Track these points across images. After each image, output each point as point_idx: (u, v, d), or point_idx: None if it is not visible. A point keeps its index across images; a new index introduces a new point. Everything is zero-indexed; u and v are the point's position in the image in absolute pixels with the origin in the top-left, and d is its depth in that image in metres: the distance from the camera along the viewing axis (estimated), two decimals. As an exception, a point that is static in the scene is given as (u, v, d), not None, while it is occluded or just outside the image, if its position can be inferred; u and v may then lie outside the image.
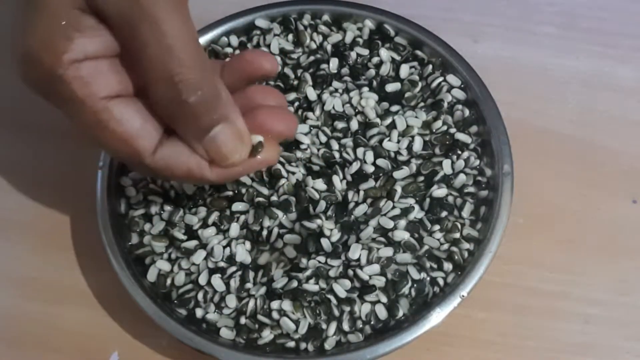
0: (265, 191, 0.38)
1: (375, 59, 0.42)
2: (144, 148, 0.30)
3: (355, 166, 0.38)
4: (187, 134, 0.31)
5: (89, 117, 0.29)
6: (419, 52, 0.42)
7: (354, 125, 0.40)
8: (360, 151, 0.38)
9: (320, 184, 0.38)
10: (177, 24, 0.28)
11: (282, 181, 0.38)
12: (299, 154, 0.39)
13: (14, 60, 0.29)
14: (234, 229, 0.37)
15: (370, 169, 0.38)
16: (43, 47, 0.28)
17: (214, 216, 0.37)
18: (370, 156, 0.38)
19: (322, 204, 0.37)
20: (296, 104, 0.41)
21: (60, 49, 0.28)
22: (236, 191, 0.38)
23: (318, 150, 0.39)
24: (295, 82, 0.41)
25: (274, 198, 0.38)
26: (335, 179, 0.38)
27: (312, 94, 0.41)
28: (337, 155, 0.39)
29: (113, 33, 0.29)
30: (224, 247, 0.37)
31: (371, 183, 0.38)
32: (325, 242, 0.36)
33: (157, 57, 0.28)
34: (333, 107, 0.40)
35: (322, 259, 0.36)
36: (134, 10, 0.28)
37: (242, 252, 0.37)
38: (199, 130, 0.30)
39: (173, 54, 0.28)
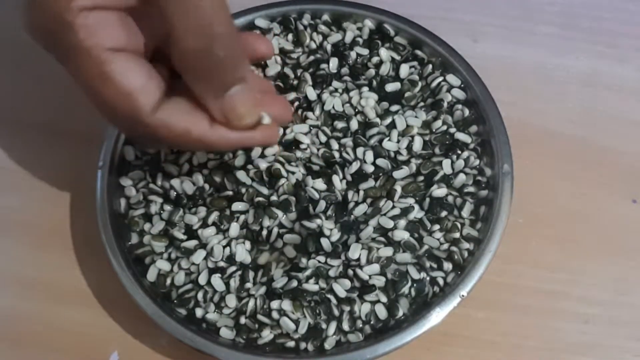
0: (265, 191, 0.38)
1: (375, 59, 0.42)
2: (144, 104, 0.30)
3: (355, 166, 0.38)
4: (208, 89, 0.31)
5: (93, 68, 0.29)
6: (418, 52, 0.42)
7: (354, 125, 0.40)
8: (360, 151, 0.38)
9: (320, 184, 0.38)
10: None
11: (282, 181, 0.38)
12: (298, 153, 0.39)
13: (21, 7, 0.29)
14: (234, 228, 0.37)
15: (370, 168, 0.38)
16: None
17: (214, 216, 0.37)
18: (370, 156, 0.38)
19: (322, 204, 0.37)
20: (296, 103, 0.41)
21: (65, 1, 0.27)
22: (236, 191, 0.38)
23: (318, 150, 0.39)
24: (295, 82, 0.41)
25: (274, 198, 0.37)
26: (335, 179, 0.38)
27: (312, 93, 0.41)
28: (337, 155, 0.39)
29: None
30: (224, 247, 0.37)
31: (371, 183, 0.38)
32: (325, 242, 0.36)
33: (194, 7, 0.28)
34: (333, 107, 0.40)
35: (322, 258, 0.36)
36: None
37: (242, 252, 0.37)
38: (221, 85, 0.31)
39: (213, 7, 0.28)
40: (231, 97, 0.31)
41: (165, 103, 0.30)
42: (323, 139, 0.39)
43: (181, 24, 0.28)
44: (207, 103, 0.31)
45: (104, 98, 0.29)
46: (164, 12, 0.28)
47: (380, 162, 0.38)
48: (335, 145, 0.39)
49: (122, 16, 0.29)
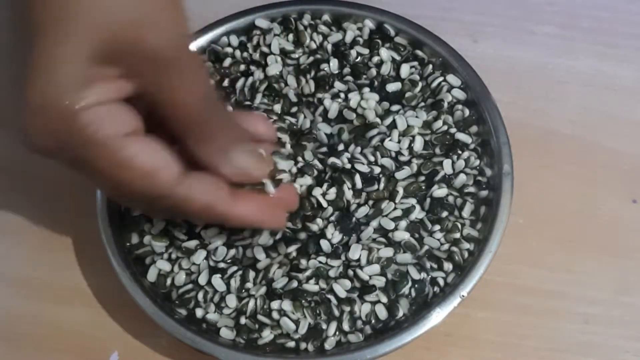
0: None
1: (375, 59, 0.42)
2: (167, 179, 0.30)
3: (363, 170, 0.38)
4: (215, 154, 0.32)
5: (110, 158, 0.29)
6: (419, 52, 0.42)
7: (357, 127, 0.40)
8: (366, 155, 0.38)
9: (332, 194, 0.37)
10: (197, 58, 0.31)
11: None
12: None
13: (23, 120, 0.30)
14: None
15: (377, 170, 0.38)
16: (56, 96, 0.28)
17: None
18: (377, 159, 0.38)
19: (329, 210, 0.37)
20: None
21: (74, 97, 0.28)
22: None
23: (323, 157, 0.39)
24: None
25: None
26: (345, 188, 0.37)
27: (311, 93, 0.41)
28: (345, 161, 0.38)
29: (134, 80, 0.30)
30: (228, 248, 0.37)
31: (375, 186, 0.38)
32: (325, 244, 0.36)
33: (189, 90, 0.30)
34: (335, 110, 0.40)
35: (322, 259, 0.36)
36: (170, 52, 0.29)
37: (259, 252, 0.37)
38: (227, 142, 0.32)
39: (204, 71, 0.31)
40: (236, 158, 0.32)
41: (187, 176, 0.31)
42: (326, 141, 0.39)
43: (180, 109, 0.30)
44: (219, 169, 0.32)
45: (126, 184, 0.30)
46: (164, 92, 0.30)
47: (385, 161, 0.38)
48: (343, 152, 0.39)
49: (122, 105, 0.30)
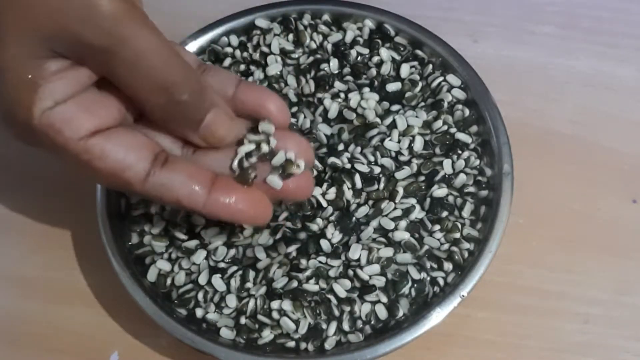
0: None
1: (375, 59, 0.42)
2: (133, 178, 0.31)
3: (363, 170, 0.38)
4: (185, 129, 0.32)
5: (73, 159, 0.30)
6: (419, 52, 0.42)
7: (357, 127, 0.40)
8: (366, 155, 0.38)
9: (331, 194, 0.38)
10: (152, 39, 0.29)
11: None
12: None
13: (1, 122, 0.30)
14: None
15: (377, 170, 0.38)
16: (13, 103, 0.29)
17: None
18: (377, 159, 0.38)
19: (329, 210, 0.37)
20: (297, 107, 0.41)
21: (28, 102, 0.29)
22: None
23: (323, 156, 0.39)
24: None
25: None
26: (345, 188, 0.37)
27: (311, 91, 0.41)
28: (345, 161, 0.38)
29: (87, 65, 0.29)
30: (228, 248, 0.37)
31: (375, 186, 0.38)
32: (325, 244, 0.36)
33: (144, 72, 0.29)
34: (335, 110, 0.40)
35: (322, 259, 0.36)
36: (110, 42, 0.28)
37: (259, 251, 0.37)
38: (194, 122, 0.31)
39: (159, 65, 0.29)
40: (208, 125, 0.32)
41: (158, 171, 0.31)
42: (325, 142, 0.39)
43: (140, 91, 0.30)
44: (189, 138, 0.32)
45: (95, 179, 0.32)
46: (120, 82, 0.30)
47: (385, 161, 0.38)
48: (343, 152, 0.39)
49: (88, 97, 0.30)
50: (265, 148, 0.33)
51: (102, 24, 0.28)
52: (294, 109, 0.41)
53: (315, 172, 0.38)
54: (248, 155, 0.33)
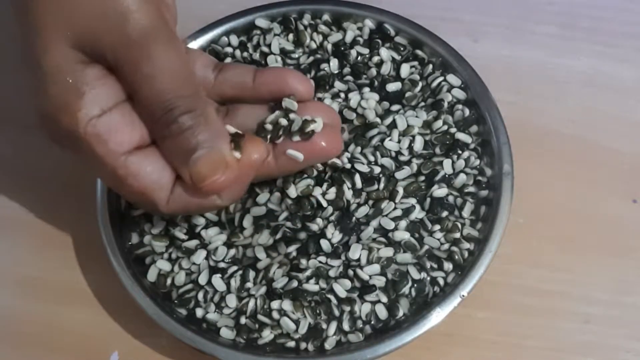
0: (276, 207, 0.38)
1: (375, 59, 0.42)
2: (159, 199, 0.31)
3: (365, 172, 0.38)
4: (176, 157, 0.31)
5: (109, 172, 0.30)
6: (419, 52, 0.42)
7: (357, 127, 0.40)
8: (366, 155, 0.38)
9: (331, 194, 0.37)
10: (169, 56, 0.30)
11: (292, 193, 0.37)
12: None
13: (41, 124, 0.31)
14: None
15: (377, 170, 0.38)
16: (57, 108, 0.29)
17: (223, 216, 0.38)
18: (377, 159, 0.38)
19: (329, 210, 0.37)
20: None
21: (74, 108, 0.29)
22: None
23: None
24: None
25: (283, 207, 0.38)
26: (345, 188, 0.37)
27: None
28: (345, 160, 0.38)
29: (116, 76, 0.30)
30: (228, 248, 0.37)
31: (375, 186, 0.38)
32: (325, 244, 0.36)
33: (153, 87, 0.29)
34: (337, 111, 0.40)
35: (322, 259, 0.36)
36: (130, 51, 0.29)
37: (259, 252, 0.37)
38: (185, 151, 0.31)
39: (167, 82, 0.29)
40: (194, 161, 0.31)
41: (176, 186, 0.32)
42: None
43: (146, 107, 0.30)
44: (177, 170, 0.32)
45: (123, 194, 0.33)
46: (134, 92, 0.30)
47: (385, 161, 0.38)
48: (343, 152, 0.39)
49: (127, 109, 0.31)
50: (283, 122, 0.33)
51: (131, 35, 0.28)
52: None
53: (315, 172, 0.38)
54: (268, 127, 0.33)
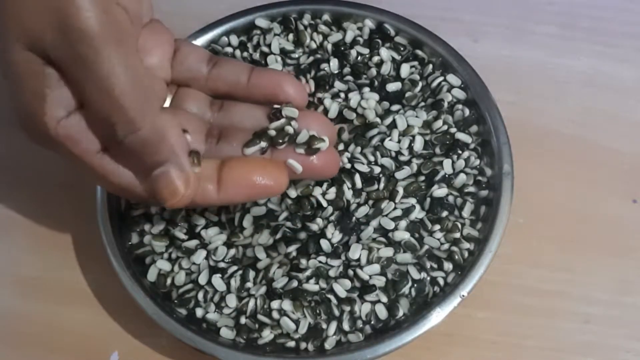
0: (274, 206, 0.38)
1: (375, 58, 0.42)
2: (144, 193, 0.31)
3: (365, 172, 0.38)
4: (135, 171, 0.31)
5: (90, 170, 0.30)
6: (419, 52, 0.42)
7: (357, 127, 0.40)
8: (366, 155, 0.38)
9: (331, 194, 0.37)
10: (114, 64, 0.27)
11: (292, 193, 0.37)
12: None
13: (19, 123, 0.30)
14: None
15: (376, 170, 0.38)
16: (27, 113, 0.29)
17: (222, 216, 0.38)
18: (377, 159, 0.38)
19: (329, 210, 0.37)
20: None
21: (40, 113, 0.28)
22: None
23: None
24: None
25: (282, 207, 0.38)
26: (345, 188, 0.37)
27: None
28: (345, 160, 0.38)
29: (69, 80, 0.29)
30: (228, 247, 0.37)
31: (375, 186, 0.38)
32: (325, 244, 0.36)
33: (97, 100, 0.28)
34: (335, 110, 0.40)
35: (322, 259, 0.36)
36: (69, 55, 0.27)
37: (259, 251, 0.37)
38: (146, 167, 0.30)
39: (110, 96, 0.28)
40: (156, 177, 0.30)
41: None
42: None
43: (103, 112, 0.28)
44: (141, 184, 0.31)
45: (109, 190, 0.32)
46: (91, 104, 0.29)
47: (385, 161, 0.38)
48: (343, 152, 0.39)
49: None
50: (289, 129, 0.33)
51: (71, 39, 0.27)
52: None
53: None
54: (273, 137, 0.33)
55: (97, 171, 0.30)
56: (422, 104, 0.41)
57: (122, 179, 0.30)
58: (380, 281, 0.36)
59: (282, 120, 0.33)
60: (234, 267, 0.37)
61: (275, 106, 0.33)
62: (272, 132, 0.33)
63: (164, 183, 0.30)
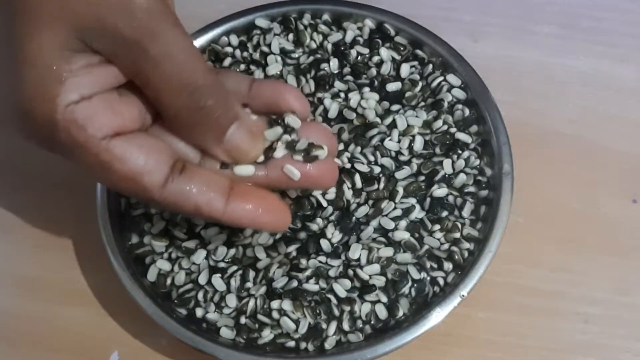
0: None
1: (375, 58, 0.42)
2: (151, 184, 0.30)
3: (365, 172, 0.38)
4: (208, 139, 0.31)
5: (92, 159, 0.29)
6: (419, 52, 0.42)
7: (357, 126, 0.40)
8: (366, 155, 0.38)
9: (331, 194, 0.37)
10: (181, 39, 0.29)
11: (292, 193, 0.37)
12: None
13: (13, 118, 0.29)
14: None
15: (376, 170, 0.38)
16: (36, 95, 0.28)
17: None
18: (377, 159, 0.38)
19: (329, 209, 0.37)
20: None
21: (53, 93, 0.28)
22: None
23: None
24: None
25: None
26: (345, 188, 0.37)
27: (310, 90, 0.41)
28: (345, 160, 0.38)
29: (116, 64, 0.29)
30: (228, 247, 0.37)
31: (375, 185, 0.38)
32: (325, 243, 0.36)
33: (172, 72, 0.29)
34: (335, 110, 0.40)
35: (322, 259, 0.36)
36: (142, 36, 0.28)
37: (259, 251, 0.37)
38: (218, 131, 0.31)
39: (187, 66, 0.29)
40: (231, 138, 0.31)
41: (176, 178, 0.30)
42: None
43: (164, 91, 0.29)
44: (211, 151, 0.31)
45: (110, 183, 0.30)
46: (147, 83, 0.29)
47: (385, 161, 0.38)
48: (343, 152, 0.39)
49: (110, 98, 0.29)
50: (288, 137, 0.32)
51: (137, 17, 0.27)
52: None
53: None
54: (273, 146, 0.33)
55: (102, 158, 0.29)
56: (422, 103, 0.41)
57: (129, 164, 0.29)
58: (380, 281, 0.36)
59: (279, 130, 0.33)
60: (234, 267, 0.37)
61: (275, 116, 0.33)
62: (270, 137, 0.33)
63: (242, 137, 0.31)
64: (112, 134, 0.29)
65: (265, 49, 0.43)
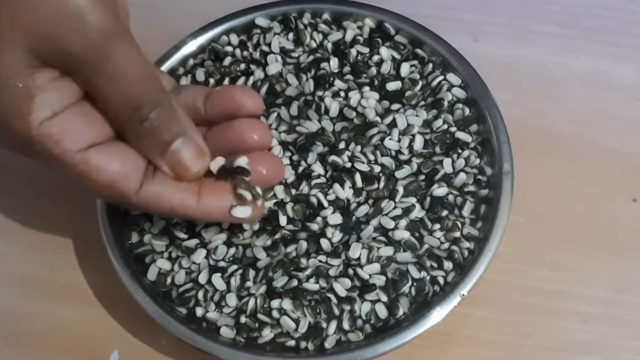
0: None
1: (375, 57, 0.42)
2: (128, 188, 0.31)
3: (365, 171, 0.38)
4: (152, 152, 0.32)
5: (70, 170, 0.30)
6: (419, 51, 0.42)
7: (357, 126, 0.40)
8: (366, 154, 0.38)
9: (331, 195, 0.38)
10: (133, 57, 0.30)
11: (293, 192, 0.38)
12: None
13: None
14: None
15: (377, 169, 0.38)
16: (9, 113, 0.29)
17: None
18: (377, 158, 0.38)
19: (330, 209, 0.37)
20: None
21: (25, 112, 0.29)
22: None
23: (324, 154, 0.39)
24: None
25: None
26: (346, 187, 0.37)
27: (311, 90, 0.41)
28: (345, 159, 0.38)
29: (73, 78, 0.30)
30: (228, 247, 0.37)
31: (375, 185, 0.38)
32: (325, 243, 0.36)
33: (120, 89, 0.30)
34: (335, 109, 0.40)
35: (322, 258, 0.36)
36: (94, 56, 0.29)
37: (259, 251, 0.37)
38: (161, 145, 0.32)
39: (136, 83, 0.30)
40: (173, 152, 0.32)
41: (150, 180, 0.32)
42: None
43: (113, 103, 0.30)
44: (155, 163, 0.32)
45: (90, 191, 0.32)
46: (98, 97, 0.30)
47: (385, 160, 0.38)
48: (343, 151, 0.39)
49: (81, 108, 0.31)
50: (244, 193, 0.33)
51: (90, 38, 0.28)
52: (295, 108, 0.41)
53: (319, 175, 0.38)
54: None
55: (80, 169, 0.30)
56: (422, 103, 0.41)
57: (106, 173, 0.31)
58: (380, 280, 0.36)
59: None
60: (234, 266, 0.37)
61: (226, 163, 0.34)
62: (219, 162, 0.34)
63: (185, 153, 0.32)
64: (86, 147, 0.30)
65: (265, 48, 0.43)
